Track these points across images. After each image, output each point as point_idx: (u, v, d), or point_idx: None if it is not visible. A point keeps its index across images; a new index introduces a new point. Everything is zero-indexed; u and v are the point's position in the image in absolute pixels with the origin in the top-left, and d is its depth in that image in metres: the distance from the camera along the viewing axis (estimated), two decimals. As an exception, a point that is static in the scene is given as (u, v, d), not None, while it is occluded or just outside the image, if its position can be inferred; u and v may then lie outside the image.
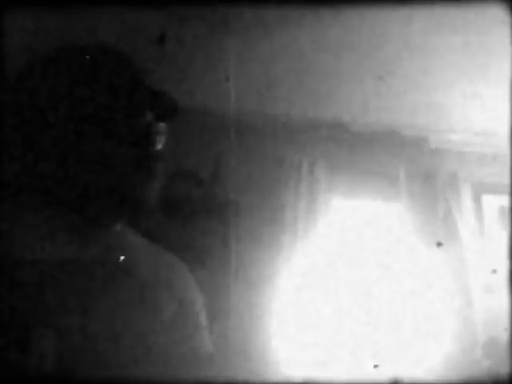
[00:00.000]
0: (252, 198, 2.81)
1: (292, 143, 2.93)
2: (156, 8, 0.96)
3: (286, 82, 2.58)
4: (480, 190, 2.97)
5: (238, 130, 2.88)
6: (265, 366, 2.40)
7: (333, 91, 2.65)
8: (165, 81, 2.73)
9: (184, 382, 0.83)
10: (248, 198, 2.81)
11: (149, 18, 1.75)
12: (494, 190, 2.88)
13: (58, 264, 0.83)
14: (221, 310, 2.51)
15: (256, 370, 2.24)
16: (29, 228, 0.85)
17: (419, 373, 2.47)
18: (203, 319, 1.00)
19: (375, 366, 2.48)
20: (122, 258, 0.90)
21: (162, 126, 0.93)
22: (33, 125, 0.84)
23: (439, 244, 2.71)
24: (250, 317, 2.53)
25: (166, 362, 0.86)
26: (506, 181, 1.93)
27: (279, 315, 2.60)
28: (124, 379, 0.78)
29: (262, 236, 2.73)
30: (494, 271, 2.62)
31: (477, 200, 2.97)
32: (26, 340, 0.76)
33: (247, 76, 2.54)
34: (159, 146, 0.93)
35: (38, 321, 0.78)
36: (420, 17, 1.94)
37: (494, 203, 2.93)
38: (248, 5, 1.52)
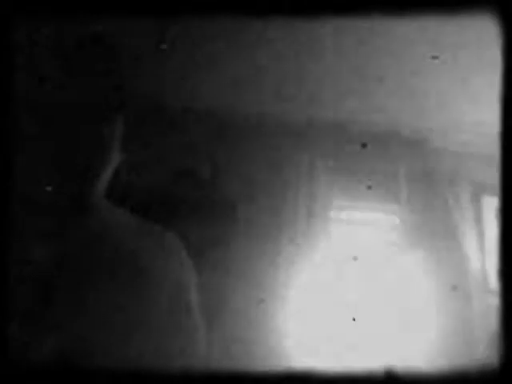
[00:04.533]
0: (252, 198, 2.82)
1: (292, 143, 2.94)
2: (156, 15, 0.98)
3: (286, 82, 2.59)
4: (479, 191, 2.98)
5: (237, 130, 2.89)
6: (264, 357, 2.41)
7: (333, 91, 2.66)
8: (165, 81, 2.76)
9: (186, 371, 0.84)
10: (248, 197, 2.82)
11: (148, 19, 1.77)
12: (493, 190, 2.89)
13: (52, 260, 0.84)
14: (220, 308, 2.53)
15: (255, 361, 2.25)
16: (24, 228, 0.86)
17: (413, 364, 2.48)
18: (195, 304, 0.99)
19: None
20: None
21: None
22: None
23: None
24: (248, 314, 2.54)
25: (160, 353, 0.86)
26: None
27: (278, 311, 2.61)
28: (123, 370, 0.79)
29: (262, 236, 2.74)
30: (454, 288, 2.63)
31: (476, 200, 2.97)
32: (27, 335, 0.78)
33: (247, 76, 2.56)
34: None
35: (38, 316, 0.80)
36: (419, 21, 1.95)
37: (494, 204, 2.94)
38: (247, 15, 1.53)
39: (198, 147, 2.86)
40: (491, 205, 2.94)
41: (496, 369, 0.66)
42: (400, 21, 1.96)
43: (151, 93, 2.58)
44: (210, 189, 2.83)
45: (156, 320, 0.88)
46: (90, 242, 0.89)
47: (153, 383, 0.81)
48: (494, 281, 2.79)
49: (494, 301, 2.69)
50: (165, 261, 0.95)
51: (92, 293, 0.84)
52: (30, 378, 0.75)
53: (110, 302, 0.85)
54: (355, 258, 2.86)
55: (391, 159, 2.96)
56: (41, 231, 0.86)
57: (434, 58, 2.15)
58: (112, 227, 0.94)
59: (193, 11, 1.03)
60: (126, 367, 0.79)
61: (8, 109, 0.82)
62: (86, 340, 0.80)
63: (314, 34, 2.19)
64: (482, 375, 0.69)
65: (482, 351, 2.54)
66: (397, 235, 2.90)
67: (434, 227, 2.84)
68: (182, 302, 0.95)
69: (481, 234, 2.92)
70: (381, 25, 2.08)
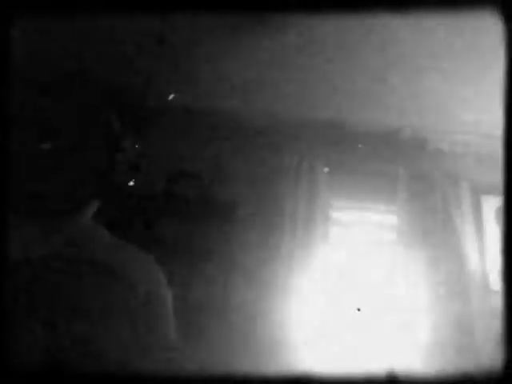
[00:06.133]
0: (251, 197, 2.82)
1: (292, 143, 2.93)
2: (155, 12, 0.98)
3: (286, 82, 2.59)
4: (479, 191, 2.97)
5: (238, 130, 2.88)
6: (263, 360, 2.40)
7: (333, 91, 2.66)
8: (165, 82, 2.75)
9: (181, 374, 0.85)
10: (248, 198, 2.81)
11: (148, 19, 1.76)
12: (492, 190, 2.88)
13: (31, 262, 0.87)
14: (218, 307, 2.52)
15: (255, 364, 2.25)
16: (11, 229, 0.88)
17: (415, 368, 2.48)
18: (169, 310, 1.04)
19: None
20: None
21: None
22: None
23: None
24: (248, 314, 2.54)
25: (133, 348, 0.90)
26: (505, 182, 1.95)
27: (277, 312, 2.61)
28: (103, 370, 0.81)
29: (262, 235, 2.74)
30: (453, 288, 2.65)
31: (476, 200, 2.97)
32: (15, 330, 0.79)
33: (247, 76, 2.55)
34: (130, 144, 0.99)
35: (25, 314, 0.82)
36: (418, 19, 1.95)
37: (493, 204, 2.94)
38: (247, 10, 1.53)
39: (198, 147, 2.86)
40: (491, 205, 2.94)
41: (499, 372, 0.65)
42: (401, 20, 1.96)
43: (151, 93, 2.58)
44: (210, 189, 2.83)
45: (130, 323, 0.91)
46: (69, 249, 0.94)
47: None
48: (493, 281, 2.79)
49: (494, 301, 2.69)
50: (135, 271, 1.01)
51: (72, 296, 0.87)
52: (19, 380, 0.76)
53: (87, 305, 0.87)
54: (355, 259, 2.86)
55: (391, 159, 2.95)
56: (28, 234, 0.90)
57: (434, 58, 2.15)
58: (89, 238, 1.00)
59: (194, 8, 1.03)
60: (103, 368, 0.81)
61: (5, 112, 0.82)
62: (68, 340, 0.83)
63: (315, 33, 2.19)
64: (484, 379, 0.68)
65: (483, 352, 2.53)
66: (396, 235, 2.89)
67: (434, 227, 2.83)
68: (154, 307, 1.00)
69: (481, 234, 2.92)
70: (382, 24, 2.07)
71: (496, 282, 2.76)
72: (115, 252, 1.01)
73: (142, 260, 1.05)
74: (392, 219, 2.93)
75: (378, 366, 2.50)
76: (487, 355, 2.42)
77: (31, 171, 0.91)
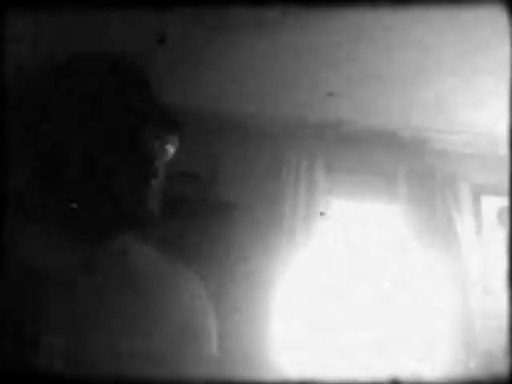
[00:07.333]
0: (251, 197, 2.81)
1: (292, 143, 2.93)
2: (157, 9, 0.97)
3: (286, 82, 2.59)
4: (479, 191, 2.97)
5: (237, 130, 2.88)
6: (263, 365, 2.40)
7: (332, 92, 2.65)
8: (165, 81, 2.74)
9: (184, 380, 0.84)
10: (247, 197, 2.81)
11: (149, 19, 1.75)
12: (493, 190, 2.88)
13: (63, 272, 0.84)
14: (218, 309, 2.52)
15: (254, 369, 2.24)
16: (34, 238, 0.85)
17: (419, 373, 2.48)
18: (213, 330, 1.01)
19: None
20: None
21: (169, 139, 0.92)
22: (37, 137, 0.85)
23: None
24: (247, 316, 2.53)
25: (171, 362, 0.86)
26: (506, 182, 1.94)
27: (278, 315, 2.60)
28: (130, 380, 0.78)
29: (261, 235, 2.73)
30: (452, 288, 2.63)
31: (476, 201, 2.97)
32: (36, 343, 0.77)
33: (247, 76, 2.55)
34: (165, 159, 0.94)
35: (47, 325, 0.79)
36: (420, 18, 1.95)
37: (493, 204, 2.93)
38: (247, 6, 1.53)
39: (198, 148, 2.85)
40: (491, 205, 2.94)
41: (507, 376, 0.64)
42: (401, 20, 1.95)
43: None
44: (210, 189, 2.82)
45: (165, 339, 0.88)
46: (113, 259, 0.90)
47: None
48: (493, 281, 2.79)
49: (493, 301, 2.68)
50: (177, 285, 0.97)
51: (101, 308, 0.84)
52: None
53: (121, 317, 0.85)
54: (354, 259, 2.86)
55: (391, 159, 2.95)
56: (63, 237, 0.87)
57: (432, 57, 2.14)
58: (132, 254, 0.95)
59: (192, 6, 1.02)
60: (129, 378, 0.79)
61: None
62: (92, 353, 0.80)
63: (314, 34, 2.18)
64: (491, 382, 0.67)
65: (483, 352, 2.53)
66: (396, 236, 2.89)
67: (434, 227, 2.83)
68: (196, 321, 0.97)
69: (480, 234, 2.92)
70: (382, 24, 2.07)
71: (495, 282, 2.76)
72: (158, 265, 0.97)
73: (184, 273, 1.01)
74: (392, 219, 2.93)
75: (381, 369, 2.50)
76: (491, 358, 2.42)
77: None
